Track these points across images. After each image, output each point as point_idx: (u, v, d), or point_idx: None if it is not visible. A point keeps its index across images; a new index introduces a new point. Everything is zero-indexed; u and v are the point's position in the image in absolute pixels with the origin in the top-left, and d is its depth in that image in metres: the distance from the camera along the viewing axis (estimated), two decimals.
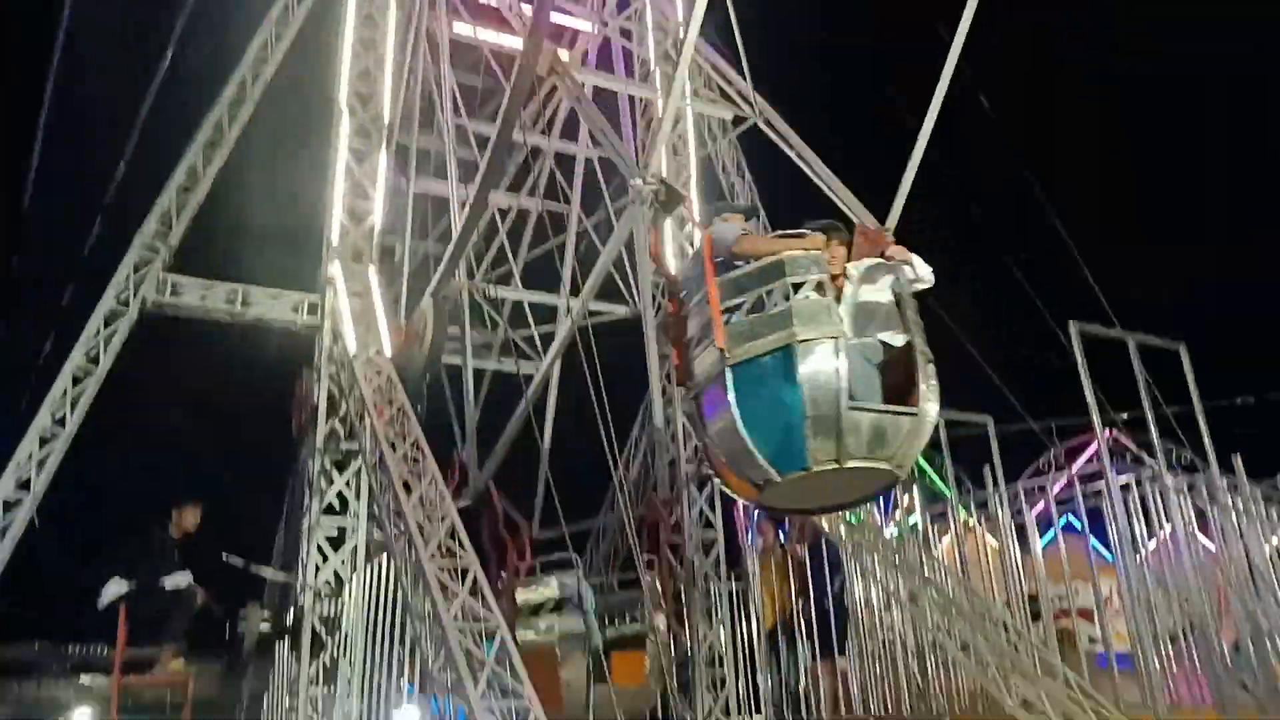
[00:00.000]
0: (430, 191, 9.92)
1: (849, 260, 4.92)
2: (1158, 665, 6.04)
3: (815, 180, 7.35)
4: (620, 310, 10.51)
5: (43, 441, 8.37)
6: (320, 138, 8.95)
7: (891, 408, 4.46)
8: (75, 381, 8.53)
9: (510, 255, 11.16)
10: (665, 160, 7.15)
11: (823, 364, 4.28)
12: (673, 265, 5.36)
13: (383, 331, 7.66)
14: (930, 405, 4.50)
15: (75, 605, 9.23)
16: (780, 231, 4.91)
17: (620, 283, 10.26)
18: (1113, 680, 6.25)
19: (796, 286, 4.41)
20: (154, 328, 8.99)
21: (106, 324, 8.65)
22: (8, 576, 8.30)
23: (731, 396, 4.35)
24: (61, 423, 8.41)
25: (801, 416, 4.25)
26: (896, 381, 4.58)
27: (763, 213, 10.12)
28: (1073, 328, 6.24)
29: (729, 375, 4.38)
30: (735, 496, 5.40)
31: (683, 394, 5.01)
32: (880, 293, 4.80)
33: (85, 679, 16.43)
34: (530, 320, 10.76)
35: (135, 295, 8.76)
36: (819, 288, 4.42)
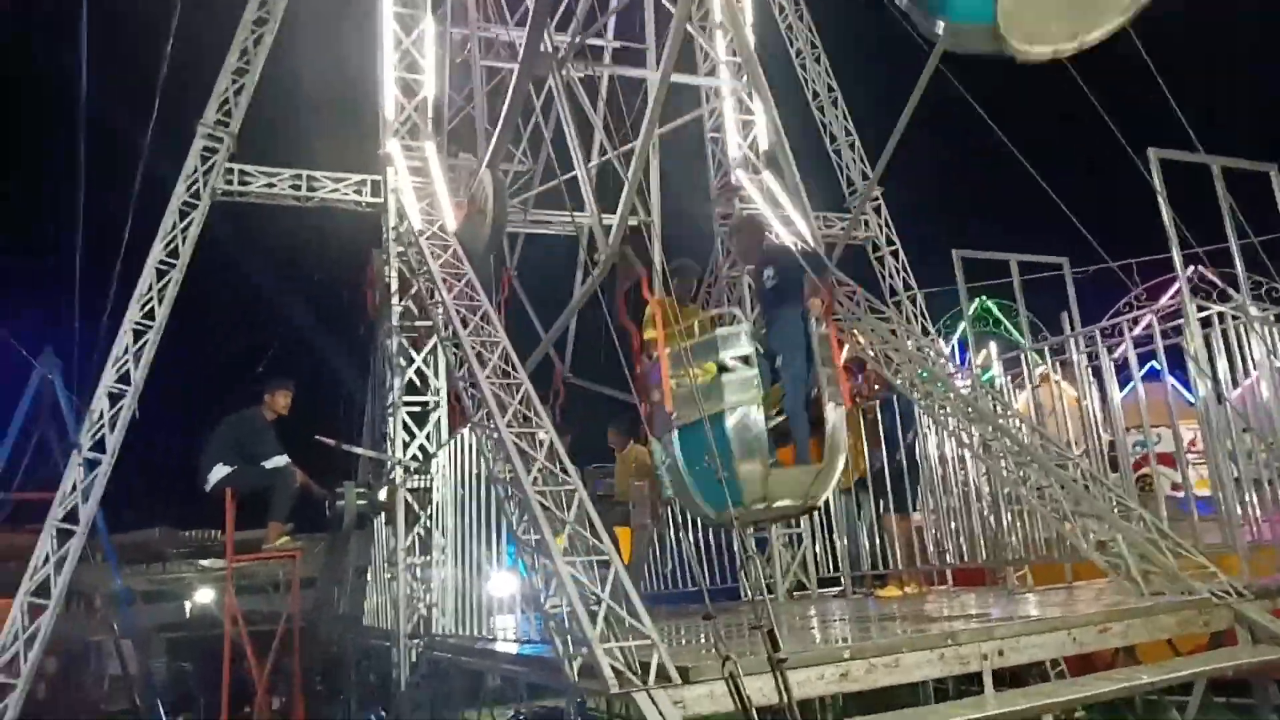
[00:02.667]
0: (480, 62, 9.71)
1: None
2: (1239, 510, 5.98)
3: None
4: None
5: (136, 335, 8.77)
6: (370, 4, 8.79)
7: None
8: (159, 275, 8.87)
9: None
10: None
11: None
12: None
13: (445, 207, 7.70)
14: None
15: (185, 492, 9.85)
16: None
17: None
18: (1193, 524, 6.22)
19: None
20: (228, 215, 9.23)
21: (181, 217, 8.90)
22: (118, 469, 8.83)
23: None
24: (151, 315, 8.78)
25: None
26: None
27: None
28: (1151, 154, 5.93)
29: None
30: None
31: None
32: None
33: (204, 562, 17.74)
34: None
35: (205, 187, 8.97)
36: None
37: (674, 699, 3.68)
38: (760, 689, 3.63)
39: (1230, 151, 6.54)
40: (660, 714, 3.58)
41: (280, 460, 8.31)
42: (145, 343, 8.70)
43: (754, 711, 3.22)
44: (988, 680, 4.20)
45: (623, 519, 8.95)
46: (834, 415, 5.78)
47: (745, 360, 5.58)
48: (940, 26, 4.80)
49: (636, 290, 6.14)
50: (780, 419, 6.00)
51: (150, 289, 8.79)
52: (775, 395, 6.06)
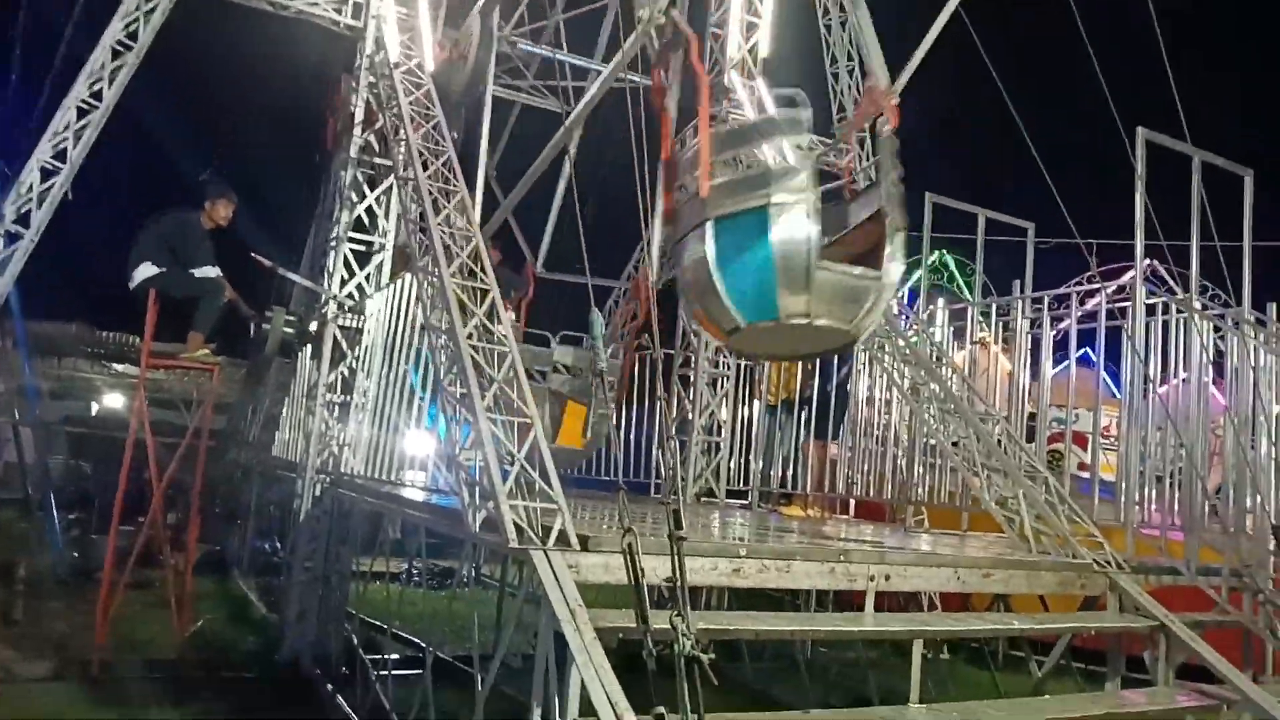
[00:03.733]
0: None
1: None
2: (1137, 496, 6.23)
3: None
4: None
5: (80, 112, 8.29)
6: None
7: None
8: (114, 55, 8.35)
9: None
10: None
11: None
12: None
13: (426, 43, 7.36)
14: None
15: (109, 292, 9.52)
16: None
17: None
18: (1092, 503, 6.47)
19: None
20: (196, 9, 8.68)
21: None
22: (44, 252, 8.45)
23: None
24: (98, 96, 8.29)
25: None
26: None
27: None
28: (1140, 135, 5.94)
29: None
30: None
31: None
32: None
33: (119, 366, 17.32)
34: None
35: None
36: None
37: (569, 563, 3.73)
38: (654, 568, 3.68)
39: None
40: (554, 573, 3.62)
41: (211, 271, 8.03)
42: (88, 123, 8.24)
43: (645, 584, 3.26)
44: (869, 600, 4.35)
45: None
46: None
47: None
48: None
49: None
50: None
51: (102, 67, 8.28)
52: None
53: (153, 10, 8.37)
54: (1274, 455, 6.20)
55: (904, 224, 4.85)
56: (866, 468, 8.26)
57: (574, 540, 3.86)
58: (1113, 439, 8.25)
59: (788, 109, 4.83)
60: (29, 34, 9.48)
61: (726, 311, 4.71)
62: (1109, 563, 5.20)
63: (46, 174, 8.12)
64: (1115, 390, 8.37)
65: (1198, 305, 6.14)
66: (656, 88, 4.87)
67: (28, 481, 12.39)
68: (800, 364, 8.37)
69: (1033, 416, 7.84)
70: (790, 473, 8.71)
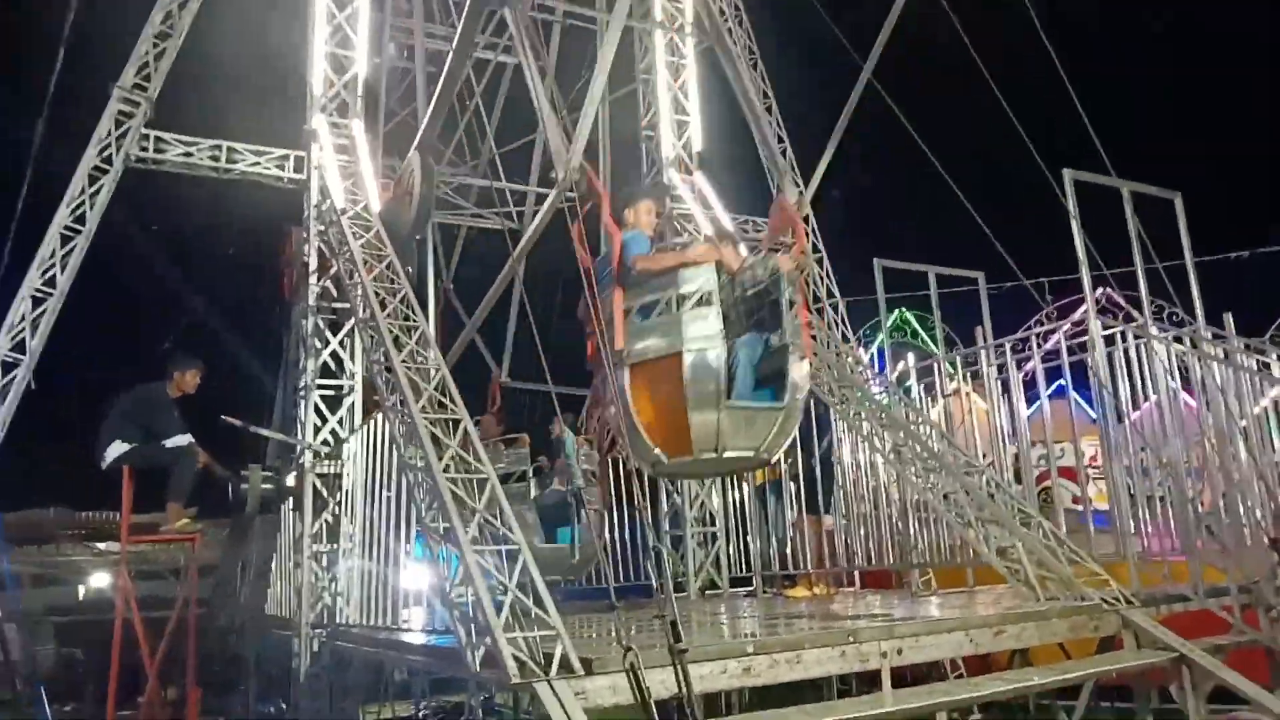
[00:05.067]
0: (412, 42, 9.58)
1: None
2: (1132, 523, 6.22)
3: (753, 129, 7.42)
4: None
5: (35, 302, 8.37)
6: None
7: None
8: (64, 241, 8.47)
9: (479, 136, 11.02)
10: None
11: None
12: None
13: (370, 186, 7.52)
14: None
15: (83, 471, 9.41)
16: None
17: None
18: (1088, 535, 6.45)
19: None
20: (141, 182, 8.87)
21: (91, 182, 8.52)
22: (12, 441, 8.41)
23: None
24: (52, 283, 8.39)
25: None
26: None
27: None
28: (1067, 175, 6.15)
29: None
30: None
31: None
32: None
33: (100, 545, 16.97)
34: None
35: (118, 152, 8.60)
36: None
37: (576, 690, 3.65)
38: (662, 681, 3.62)
39: (1142, 180, 6.83)
40: (561, 704, 3.54)
41: (183, 439, 7.98)
42: (44, 310, 8.30)
43: (653, 703, 3.20)
44: (886, 678, 4.27)
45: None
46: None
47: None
48: None
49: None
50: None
51: (53, 254, 8.40)
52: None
53: (98, 192, 8.55)
54: (1257, 466, 6.23)
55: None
56: (864, 534, 8.20)
57: (576, 665, 3.78)
58: (1100, 468, 8.27)
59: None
60: None
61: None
62: (1118, 599, 5.16)
63: (8, 367, 8.14)
64: (1091, 414, 8.43)
65: (1154, 330, 6.26)
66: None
67: (16, 678, 11.96)
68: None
69: (1017, 458, 7.86)
70: (789, 552, 8.62)
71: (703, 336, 5.01)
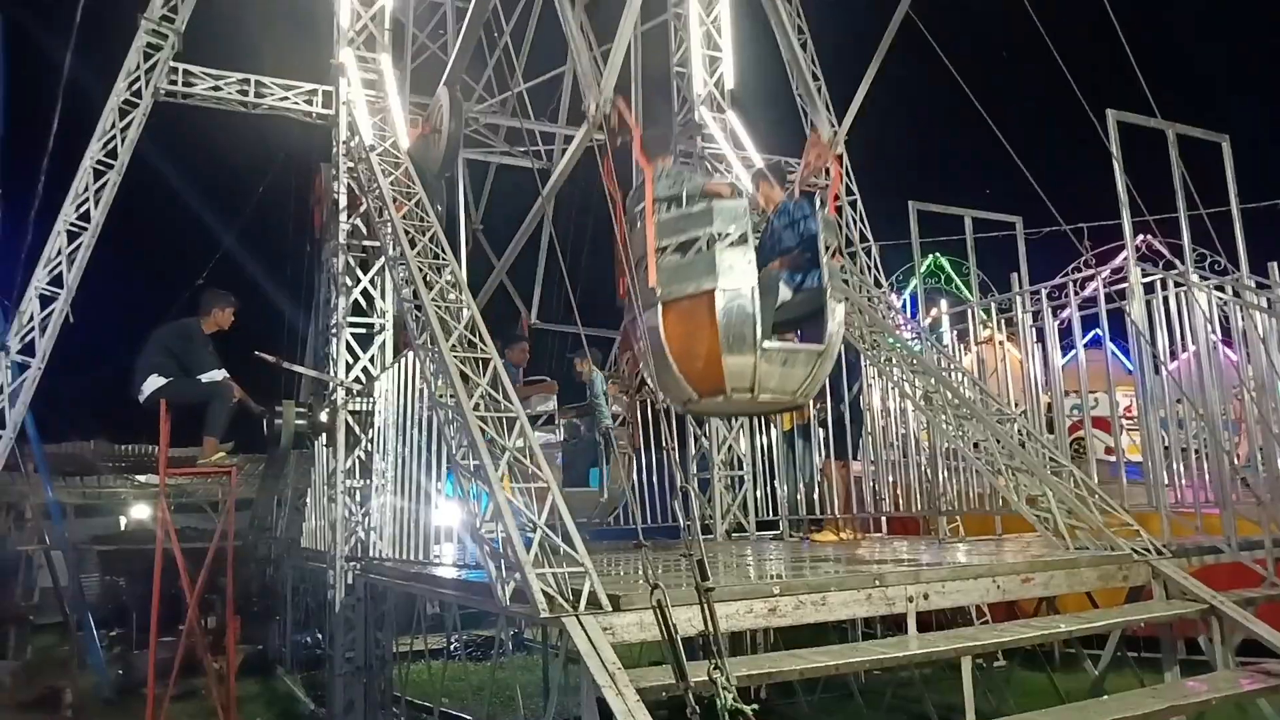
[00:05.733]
0: None
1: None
2: (1165, 475, 6.15)
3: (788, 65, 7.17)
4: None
5: (71, 236, 8.43)
6: None
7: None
8: (97, 175, 8.50)
9: (508, 72, 10.86)
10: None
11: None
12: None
13: (399, 123, 7.46)
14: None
15: (122, 404, 9.58)
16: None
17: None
18: (1121, 486, 6.39)
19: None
20: (170, 116, 8.85)
21: (121, 116, 8.52)
22: (51, 374, 8.54)
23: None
24: (86, 218, 8.43)
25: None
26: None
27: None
28: (1110, 116, 5.95)
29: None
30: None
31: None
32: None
33: (140, 477, 17.37)
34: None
35: (147, 86, 8.57)
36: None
37: (604, 625, 3.69)
38: (689, 619, 3.65)
39: (1189, 122, 6.60)
40: (589, 639, 3.59)
41: (217, 374, 8.08)
42: (80, 245, 8.37)
43: (679, 639, 3.23)
44: (911, 621, 4.29)
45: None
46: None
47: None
48: None
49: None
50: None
51: (86, 189, 8.43)
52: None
53: (129, 126, 8.54)
54: None
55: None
56: (892, 481, 8.18)
57: (605, 601, 3.82)
58: (1135, 419, 8.16)
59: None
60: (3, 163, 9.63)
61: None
62: (1148, 550, 5.12)
63: (45, 300, 8.25)
64: (1128, 365, 8.30)
65: (1195, 277, 6.11)
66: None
67: (64, 604, 12.38)
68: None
69: (1050, 408, 7.77)
70: (816, 497, 8.63)
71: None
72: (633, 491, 8.87)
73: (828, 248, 5.29)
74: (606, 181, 5.00)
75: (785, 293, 5.46)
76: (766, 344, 4.99)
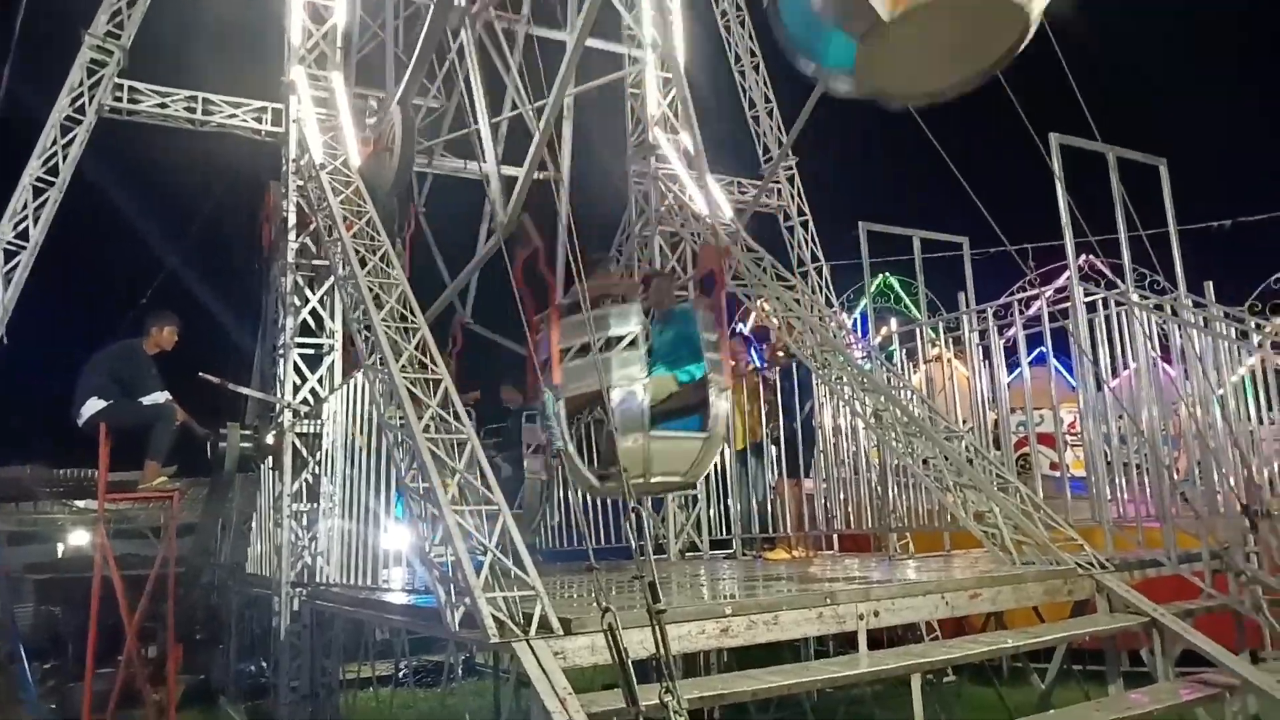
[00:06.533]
0: None
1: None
2: (1108, 489, 6.28)
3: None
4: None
5: (8, 255, 8.21)
6: None
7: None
8: (36, 193, 8.30)
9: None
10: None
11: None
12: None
13: (350, 141, 7.39)
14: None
15: (60, 428, 9.31)
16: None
17: None
18: (1065, 501, 6.51)
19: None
20: (114, 133, 8.68)
21: (63, 132, 8.33)
22: None
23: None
24: (25, 236, 8.22)
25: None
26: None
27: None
28: (1053, 140, 6.12)
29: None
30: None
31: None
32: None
33: (79, 502, 16.86)
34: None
35: (91, 102, 8.40)
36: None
37: (555, 649, 3.65)
38: (641, 641, 3.62)
39: (1127, 146, 6.80)
40: (539, 664, 3.55)
41: (160, 396, 7.90)
42: (18, 264, 8.16)
43: (630, 663, 3.21)
44: (862, 639, 4.31)
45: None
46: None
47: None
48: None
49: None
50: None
51: (25, 207, 8.23)
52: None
53: (70, 143, 8.36)
54: (1232, 434, 6.29)
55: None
56: (843, 498, 8.24)
57: (556, 625, 3.78)
58: (1078, 434, 8.33)
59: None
60: None
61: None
62: (1092, 564, 5.21)
63: None
64: (1071, 381, 8.48)
65: (1135, 296, 6.27)
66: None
67: None
68: (762, 403, 8.40)
69: (996, 424, 7.90)
70: (770, 515, 8.66)
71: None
72: (585, 515, 8.85)
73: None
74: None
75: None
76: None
